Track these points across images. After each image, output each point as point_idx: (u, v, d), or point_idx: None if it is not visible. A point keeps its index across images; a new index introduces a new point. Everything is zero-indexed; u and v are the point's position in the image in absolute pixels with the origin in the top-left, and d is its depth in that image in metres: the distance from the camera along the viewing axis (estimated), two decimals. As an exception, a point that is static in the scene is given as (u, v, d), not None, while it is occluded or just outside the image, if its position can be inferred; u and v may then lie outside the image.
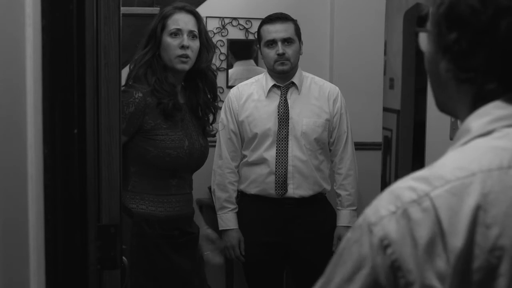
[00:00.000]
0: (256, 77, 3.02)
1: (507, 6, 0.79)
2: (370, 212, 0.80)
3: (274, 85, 2.91)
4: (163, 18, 2.28)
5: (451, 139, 2.35)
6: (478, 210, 0.75)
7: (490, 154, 0.79)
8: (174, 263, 2.23)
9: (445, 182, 0.77)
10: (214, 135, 2.48)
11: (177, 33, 2.26)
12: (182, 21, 2.27)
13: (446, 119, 2.40)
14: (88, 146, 1.25)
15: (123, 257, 1.43)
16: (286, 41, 2.82)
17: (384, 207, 0.79)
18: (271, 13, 2.93)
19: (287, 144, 2.85)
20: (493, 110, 0.83)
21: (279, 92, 2.90)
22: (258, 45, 2.96)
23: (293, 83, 2.91)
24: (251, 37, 3.62)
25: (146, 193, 2.20)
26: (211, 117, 2.43)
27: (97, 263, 1.31)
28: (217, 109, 2.46)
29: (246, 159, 2.92)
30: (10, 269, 1.16)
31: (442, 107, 0.92)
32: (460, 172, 0.78)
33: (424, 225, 0.76)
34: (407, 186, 0.79)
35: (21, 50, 1.13)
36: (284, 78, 2.90)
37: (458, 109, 0.88)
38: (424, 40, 0.91)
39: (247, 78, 3.13)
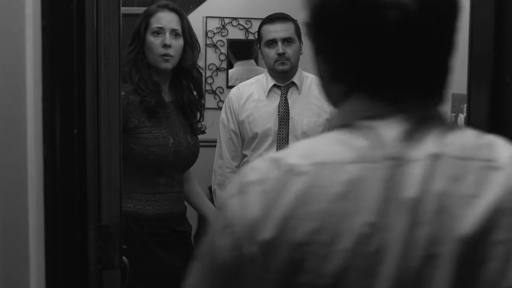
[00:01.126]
0: (256, 77, 3.03)
1: (372, 6, 0.76)
2: (223, 194, 0.80)
3: (274, 85, 2.91)
4: (147, 17, 2.28)
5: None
6: (297, 201, 0.73)
7: (333, 147, 0.77)
8: (163, 261, 2.22)
9: (281, 168, 0.76)
10: (203, 132, 2.47)
11: (159, 31, 2.26)
12: (164, 19, 2.27)
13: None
14: (88, 146, 1.25)
15: (123, 257, 1.43)
16: (286, 40, 2.82)
17: (231, 188, 0.79)
18: (271, 13, 2.93)
19: (288, 143, 2.85)
20: (350, 105, 0.81)
21: (279, 92, 2.91)
22: (258, 45, 2.96)
23: (293, 83, 2.91)
24: (251, 37, 3.63)
25: (133, 191, 2.20)
26: (198, 115, 2.42)
27: (97, 263, 1.31)
28: (203, 106, 2.45)
29: (246, 158, 2.92)
30: (10, 269, 1.16)
31: (329, 102, 0.89)
32: (300, 160, 0.76)
33: (254, 206, 0.74)
34: (254, 166, 0.78)
35: (21, 50, 1.13)
36: (284, 78, 2.90)
37: (338, 105, 0.86)
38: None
39: (248, 78, 3.14)
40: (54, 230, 1.19)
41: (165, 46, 2.23)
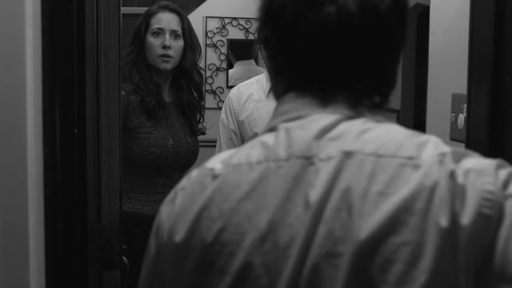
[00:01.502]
0: (256, 77, 3.02)
1: (313, 2, 0.76)
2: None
3: (274, 85, 2.92)
4: (147, 17, 2.29)
5: (451, 139, 2.35)
6: (208, 202, 0.74)
7: (251, 150, 0.77)
8: None
9: (201, 172, 0.78)
10: (203, 133, 2.47)
11: (159, 32, 2.26)
12: (164, 20, 2.28)
13: (446, 119, 2.40)
14: (88, 146, 1.25)
15: (123, 257, 1.43)
16: None
17: (167, 196, 0.82)
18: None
19: (287, 144, 2.86)
20: (279, 106, 0.82)
21: (279, 92, 2.91)
22: (258, 45, 2.96)
23: (293, 83, 2.92)
24: (251, 37, 3.63)
25: (132, 192, 2.20)
26: (198, 116, 2.42)
27: (97, 263, 1.31)
28: (203, 108, 2.45)
29: (246, 159, 2.93)
30: (10, 269, 1.16)
31: (275, 99, 0.89)
32: (218, 164, 0.77)
33: (175, 210, 0.78)
34: (188, 174, 0.81)
35: (21, 50, 1.13)
36: (284, 78, 2.90)
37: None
38: None
39: (248, 78, 3.14)
40: (54, 230, 1.19)
41: (165, 47, 2.23)
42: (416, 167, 0.70)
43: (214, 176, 0.75)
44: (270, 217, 0.71)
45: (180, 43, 2.29)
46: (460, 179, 0.68)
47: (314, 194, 0.70)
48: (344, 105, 0.77)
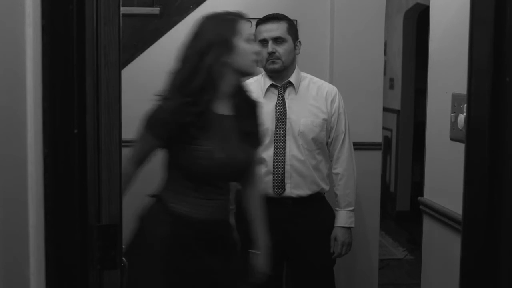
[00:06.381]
0: (255, 77, 3.03)
1: None
2: None
3: (271, 85, 2.91)
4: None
5: (451, 139, 2.35)
6: None
7: None
8: (205, 264, 2.25)
9: None
10: (259, 144, 2.41)
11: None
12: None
13: (446, 119, 2.40)
14: (88, 146, 1.25)
15: (123, 257, 1.43)
16: (277, 40, 2.83)
17: None
18: (271, 13, 2.94)
19: (285, 143, 2.86)
20: None
21: (276, 91, 2.91)
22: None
23: (290, 83, 2.91)
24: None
25: (185, 195, 2.24)
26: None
27: (97, 263, 1.31)
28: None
29: (245, 159, 2.93)
30: (10, 269, 1.16)
31: None
32: None
33: None
34: None
35: (21, 50, 1.13)
36: (280, 77, 2.90)
37: None
38: None
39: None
40: (54, 230, 1.19)
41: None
42: None
43: None
44: None
45: None
46: None
47: None
48: None
